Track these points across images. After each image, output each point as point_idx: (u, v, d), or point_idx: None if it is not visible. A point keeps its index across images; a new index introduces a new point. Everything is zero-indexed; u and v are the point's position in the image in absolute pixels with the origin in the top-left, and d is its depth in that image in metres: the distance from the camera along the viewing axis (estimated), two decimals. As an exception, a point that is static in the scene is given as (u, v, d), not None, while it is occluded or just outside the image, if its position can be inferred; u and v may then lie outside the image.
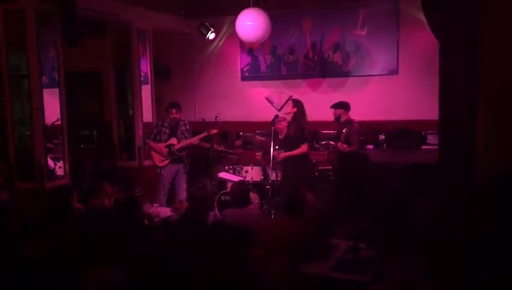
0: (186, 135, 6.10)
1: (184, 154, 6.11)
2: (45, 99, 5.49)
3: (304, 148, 5.69)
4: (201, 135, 6.04)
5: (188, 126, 6.18)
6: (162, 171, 6.07)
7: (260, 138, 7.07)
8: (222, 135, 7.96)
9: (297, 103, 5.75)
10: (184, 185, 6.20)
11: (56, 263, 2.94)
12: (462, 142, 3.19)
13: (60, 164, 5.74)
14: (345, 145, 5.79)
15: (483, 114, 3.11)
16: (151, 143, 6.11)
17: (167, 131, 6.08)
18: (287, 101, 6.06)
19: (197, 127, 6.49)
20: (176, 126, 6.10)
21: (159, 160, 6.08)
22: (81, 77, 7.80)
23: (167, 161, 6.05)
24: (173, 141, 6.05)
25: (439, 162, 3.37)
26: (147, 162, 6.65)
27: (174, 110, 6.06)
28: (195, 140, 6.04)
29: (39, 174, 5.36)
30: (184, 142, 6.02)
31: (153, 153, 6.14)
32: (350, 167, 5.79)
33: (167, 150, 6.02)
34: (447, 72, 3.33)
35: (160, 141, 6.08)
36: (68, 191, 4.23)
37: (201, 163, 6.73)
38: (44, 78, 5.60)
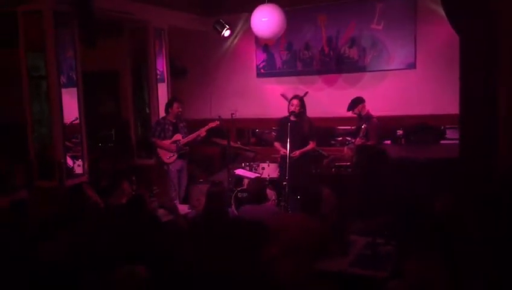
0: (186, 131, 6.26)
1: (188, 149, 6.26)
2: (63, 99, 5.56)
3: (312, 144, 5.87)
4: (207, 127, 6.15)
5: (184, 123, 6.36)
6: (170, 167, 6.19)
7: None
8: (238, 132, 7.97)
9: (303, 101, 5.85)
10: (186, 182, 6.35)
11: (76, 262, 2.95)
12: (483, 136, 3.13)
13: (79, 162, 5.81)
14: (364, 140, 5.79)
15: (505, 107, 3.04)
16: (158, 141, 6.18)
17: (170, 128, 6.22)
18: (304, 95, 6.08)
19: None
20: (176, 123, 6.24)
21: (166, 157, 6.19)
22: (99, 76, 7.87)
23: (175, 157, 6.18)
24: (178, 136, 6.21)
25: (460, 156, 3.31)
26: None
27: (179, 105, 6.21)
28: (202, 132, 6.14)
29: (58, 173, 5.44)
30: (192, 136, 6.14)
31: (159, 150, 6.23)
32: (368, 162, 5.73)
33: (175, 145, 6.12)
34: (468, 66, 3.27)
35: (165, 138, 6.19)
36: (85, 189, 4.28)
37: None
38: (62, 78, 5.66)
